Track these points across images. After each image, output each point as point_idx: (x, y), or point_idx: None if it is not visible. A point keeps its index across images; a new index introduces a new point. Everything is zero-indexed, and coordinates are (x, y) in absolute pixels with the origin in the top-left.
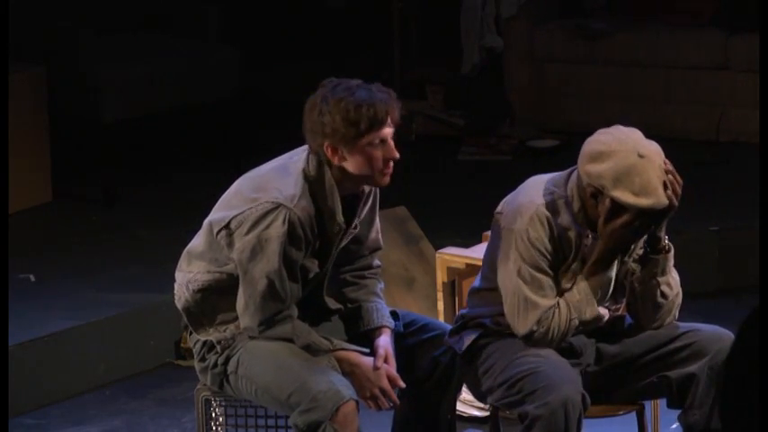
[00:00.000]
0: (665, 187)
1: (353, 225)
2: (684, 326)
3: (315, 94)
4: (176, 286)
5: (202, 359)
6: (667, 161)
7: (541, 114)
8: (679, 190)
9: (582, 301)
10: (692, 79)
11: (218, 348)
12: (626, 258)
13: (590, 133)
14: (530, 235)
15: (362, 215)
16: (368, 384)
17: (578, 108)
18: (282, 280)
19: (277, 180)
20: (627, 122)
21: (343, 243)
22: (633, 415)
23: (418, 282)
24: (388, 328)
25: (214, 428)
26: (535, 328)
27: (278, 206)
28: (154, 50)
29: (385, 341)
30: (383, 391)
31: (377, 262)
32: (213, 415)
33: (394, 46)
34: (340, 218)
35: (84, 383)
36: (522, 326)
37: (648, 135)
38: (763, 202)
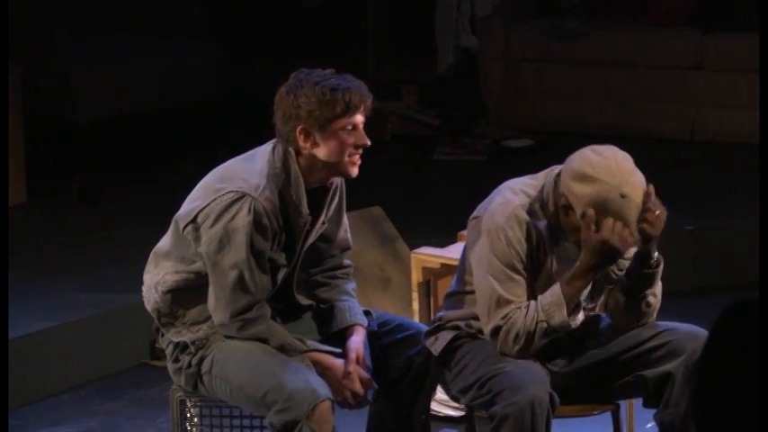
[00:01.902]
0: (643, 221)
1: (321, 221)
2: (661, 325)
3: (287, 81)
4: (144, 289)
5: (176, 360)
6: (651, 192)
7: (516, 114)
8: (661, 224)
9: (552, 305)
10: (667, 79)
11: (192, 349)
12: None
13: (565, 133)
14: (507, 234)
15: (330, 213)
16: (340, 388)
17: (553, 108)
18: (251, 270)
19: (242, 170)
20: (601, 121)
21: (311, 239)
22: (608, 414)
23: (394, 282)
24: (361, 326)
25: (189, 429)
26: (501, 323)
27: (243, 195)
28: (135, 50)
29: (356, 342)
30: (355, 394)
31: (347, 261)
32: (188, 415)
33: (369, 46)
34: (305, 209)
35: (60, 384)
36: (490, 322)
37: (624, 135)
38: (763, 202)
